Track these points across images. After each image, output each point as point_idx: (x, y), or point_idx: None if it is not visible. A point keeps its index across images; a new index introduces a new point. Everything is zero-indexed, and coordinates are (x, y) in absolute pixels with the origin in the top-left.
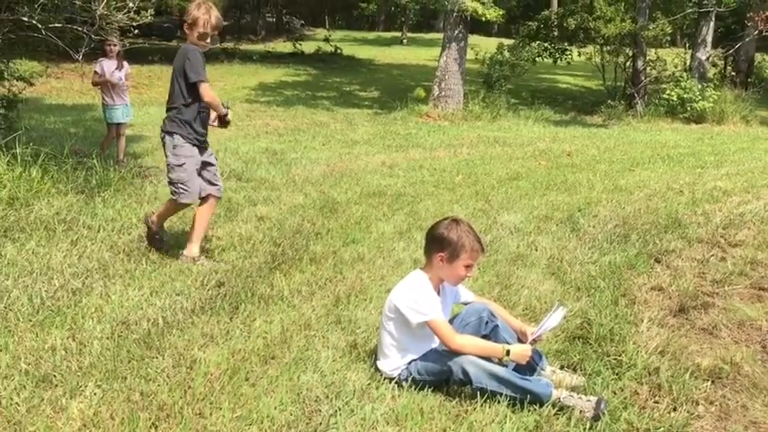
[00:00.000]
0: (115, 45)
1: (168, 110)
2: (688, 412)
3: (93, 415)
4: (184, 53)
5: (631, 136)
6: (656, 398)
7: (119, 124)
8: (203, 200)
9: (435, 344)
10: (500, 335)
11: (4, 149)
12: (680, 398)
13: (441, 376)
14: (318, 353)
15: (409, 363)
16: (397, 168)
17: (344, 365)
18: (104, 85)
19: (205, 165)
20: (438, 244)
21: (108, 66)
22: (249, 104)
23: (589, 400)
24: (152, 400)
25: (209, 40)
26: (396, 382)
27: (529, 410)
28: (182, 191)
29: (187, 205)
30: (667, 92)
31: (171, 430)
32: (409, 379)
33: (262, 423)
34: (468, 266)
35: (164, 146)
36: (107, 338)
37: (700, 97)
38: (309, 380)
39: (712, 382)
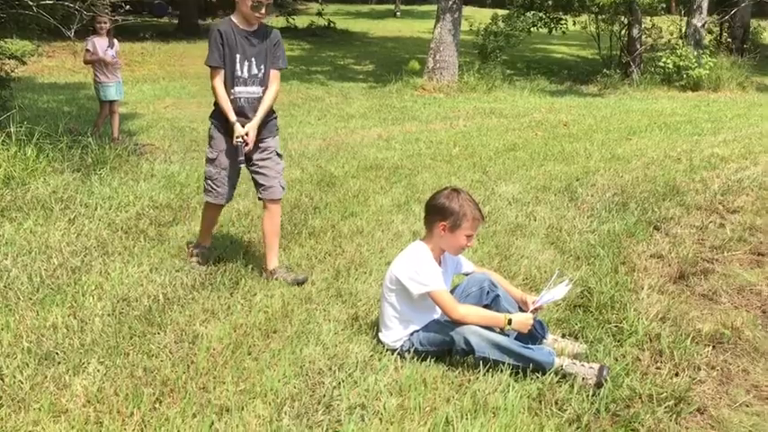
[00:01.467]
0: (106, 22)
1: None
2: (690, 377)
3: (97, 391)
4: (210, 31)
5: (628, 105)
6: (658, 364)
7: (112, 102)
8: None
9: (437, 314)
10: (501, 304)
11: None
12: (681, 363)
13: (443, 346)
14: (320, 326)
15: (411, 334)
16: (393, 141)
17: (346, 338)
18: (97, 63)
19: (253, 162)
20: (440, 213)
21: (100, 43)
22: None
23: (591, 368)
24: (155, 375)
25: (263, 11)
26: (398, 354)
27: (531, 379)
28: (208, 188)
29: (216, 207)
30: (663, 60)
31: (175, 405)
32: (412, 350)
33: (266, 396)
34: (469, 236)
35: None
36: (108, 315)
37: (696, 64)
38: (312, 353)
39: (713, 347)
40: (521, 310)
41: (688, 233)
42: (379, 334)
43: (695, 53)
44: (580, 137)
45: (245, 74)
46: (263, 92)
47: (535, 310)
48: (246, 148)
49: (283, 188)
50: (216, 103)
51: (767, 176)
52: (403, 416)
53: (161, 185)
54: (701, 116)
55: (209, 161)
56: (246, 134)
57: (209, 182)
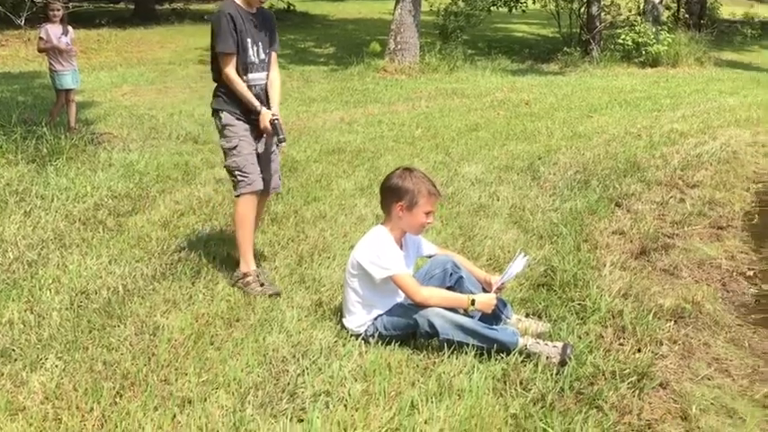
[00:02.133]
0: (59, 9)
1: (215, 83)
2: (652, 352)
3: (56, 387)
4: (216, 15)
5: (588, 82)
6: (621, 340)
7: (68, 90)
8: None
9: (400, 298)
10: (465, 286)
11: None
12: (644, 339)
13: (407, 330)
14: (283, 313)
15: (375, 318)
16: (355, 124)
17: (310, 324)
18: (51, 51)
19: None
20: (395, 194)
21: (53, 31)
22: (203, 66)
23: (555, 346)
24: (115, 369)
25: None
26: (362, 339)
27: (496, 359)
28: (240, 179)
29: (253, 200)
30: (622, 37)
31: (136, 398)
32: (376, 335)
33: (229, 386)
34: (428, 213)
35: (216, 127)
36: (66, 309)
37: (654, 41)
38: (275, 341)
39: (675, 321)
40: (485, 290)
41: (649, 209)
42: (343, 320)
43: (653, 29)
44: (542, 115)
45: (257, 59)
46: (267, 77)
47: (498, 290)
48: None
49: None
50: (221, 91)
51: (726, 151)
52: (368, 401)
53: (119, 175)
54: (661, 92)
55: (230, 151)
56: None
57: (239, 172)
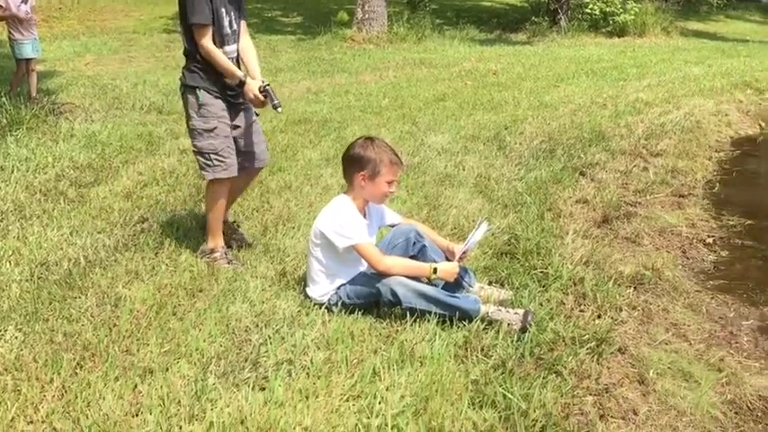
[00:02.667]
0: None
1: (186, 57)
2: (612, 318)
3: (15, 359)
4: None
5: (556, 52)
6: (582, 307)
7: (29, 60)
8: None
9: (363, 267)
10: (428, 254)
11: None
12: (604, 305)
13: (370, 299)
14: (247, 283)
15: (338, 288)
16: (322, 94)
17: (274, 294)
18: (10, 19)
19: (238, 128)
20: (357, 164)
21: None
22: (167, 35)
23: (516, 313)
24: (76, 340)
25: None
26: (325, 308)
27: (458, 327)
28: (215, 163)
29: (227, 184)
30: (590, 6)
31: (97, 369)
32: (339, 304)
33: (191, 356)
34: (390, 182)
35: (185, 105)
36: (26, 281)
37: (621, 10)
38: (238, 310)
39: (635, 288)
40: (447, 259)
41: (612, 178)
42: (306, 289)
43: None
44: (509, 85)
45: (229, 30)
46: (237, 48)
47: (461, 258)
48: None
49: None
50: (197, 67)
51: (689, 120)
52: (330, 369)
53: (81, 145)
54: (627, 62)
55: (207, 132)
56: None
57: (215, 156)
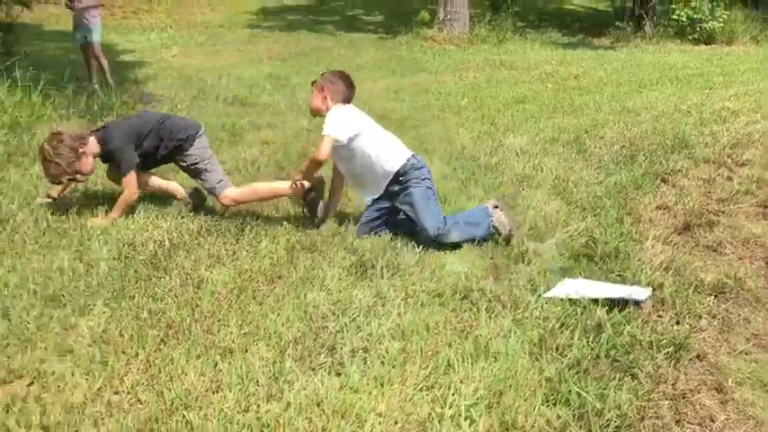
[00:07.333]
0: None
1: None
2: (690, 325)
3: (103, 332)
4: None
5: (639, 58)
6: (660, 312)
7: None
8: None
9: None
10: None
11: (5, 75)
12: (683, 312)
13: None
14: (324, 272)
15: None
16: (402, 93)
17: (350, 284)
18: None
19: None
20: None
21: None
22: (251, 30)
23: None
24: (160, 317)
25: None
26: (401, 300)
27: (533, 325)
28: None
29: None
30: (676, 12)
31: (180, 346)
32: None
33: (269, 339)
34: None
35: None
36: (114, 259)
37: (709, 17)
38: (316, 297)
39: (715, 296)
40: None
41: (695, 185)
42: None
43: (709, 6)
44: (590, 89)
45: None
46: None
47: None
48: None
49: None
50: None
51: None
52: (405, 359)
53: None
54: (713, 70)
55: None
56: None
57: None
